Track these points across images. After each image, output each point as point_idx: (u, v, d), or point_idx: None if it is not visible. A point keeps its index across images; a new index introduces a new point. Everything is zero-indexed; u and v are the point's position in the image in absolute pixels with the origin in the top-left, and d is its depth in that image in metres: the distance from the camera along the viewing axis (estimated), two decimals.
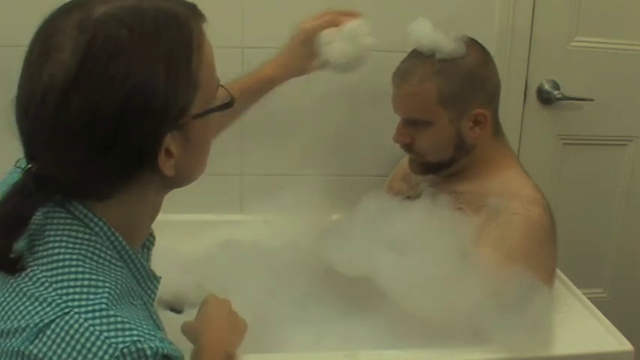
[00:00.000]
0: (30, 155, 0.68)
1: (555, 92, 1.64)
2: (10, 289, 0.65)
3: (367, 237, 1.15)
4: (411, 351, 1.03)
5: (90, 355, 0.60)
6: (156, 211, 0.79)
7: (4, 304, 0.65)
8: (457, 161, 1.24)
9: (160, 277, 0.82)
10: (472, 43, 1.21)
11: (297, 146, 1.61)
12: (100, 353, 0.60)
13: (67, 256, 0.66)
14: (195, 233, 1.40)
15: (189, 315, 1.11)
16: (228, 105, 0.77)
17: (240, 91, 1.13)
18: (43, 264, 0.66)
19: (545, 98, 1.67)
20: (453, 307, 1.02)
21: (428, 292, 1.04)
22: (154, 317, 0.78)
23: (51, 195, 0.69)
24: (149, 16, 0.67)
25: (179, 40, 0.69)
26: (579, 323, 1.13)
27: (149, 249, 0.86)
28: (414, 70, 1.20)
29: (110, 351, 0.60)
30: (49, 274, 0.65)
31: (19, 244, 0.67)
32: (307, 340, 1.10)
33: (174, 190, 0.87)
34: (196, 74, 0.70)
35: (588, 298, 1.21)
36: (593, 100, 1.66)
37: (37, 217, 0.69)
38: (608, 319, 1.14)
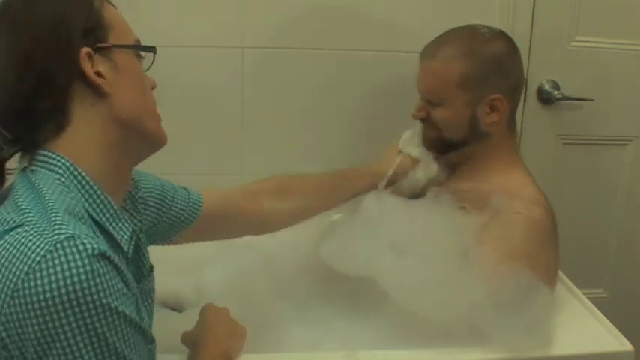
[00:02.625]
0: None
1: (555, 92, 1.65)
2: None
3: (369, 237, 1.15)
4: (411, 351, 1.03)
5: (29, 252, 0.66)
6: (121, 165, 0.84)
7: None
8: (468, 144, 1.24)
9: (135, 222, 0.87)
10: (504, 35, 1.23)
11: (298, 146, 1.61)
12: (38, 249, 0.66)
13: (29, 191, 0.75)
14: None
15: (189, 314, 1.11)
16: (150, 48, 0.87)
17: (348, 178, 1.25)
18: (12, 201, 0.76)
19: (545, 98, 1.67)
20: (454, 307, 1.02)
21: (429, 292, 1.04)
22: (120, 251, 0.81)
23: (17, 144, 0.80)
24: None
25: None
26: (579, 323, 1.13)
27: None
28: (442, 49, 1.22)
29: (45, 246, 0.66)
30: (15, 205, 0.74)
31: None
32: (307, 340, 1.10)
33: None
34: (100, 13, 0.81)
35: (588, 298, 1.21)
36: (593, 100, 1.66)
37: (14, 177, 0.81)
38: (608, 319, 1.13)
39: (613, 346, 1.07)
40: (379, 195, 1.24)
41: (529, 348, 1.02)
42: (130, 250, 0.82)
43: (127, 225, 0.82)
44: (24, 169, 0.80)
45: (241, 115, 1.58)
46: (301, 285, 1.24)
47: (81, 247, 0.66)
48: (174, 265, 1.29)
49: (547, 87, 1.66)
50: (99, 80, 0.79)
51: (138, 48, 0.86)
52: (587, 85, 1.66)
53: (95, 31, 0.80)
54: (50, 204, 0.72)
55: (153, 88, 0.88)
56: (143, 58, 0.88)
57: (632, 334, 1.09)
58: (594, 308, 1.17)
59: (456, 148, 1.25)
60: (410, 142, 1.29)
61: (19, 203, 0.74)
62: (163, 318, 1.15)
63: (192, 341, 0.97)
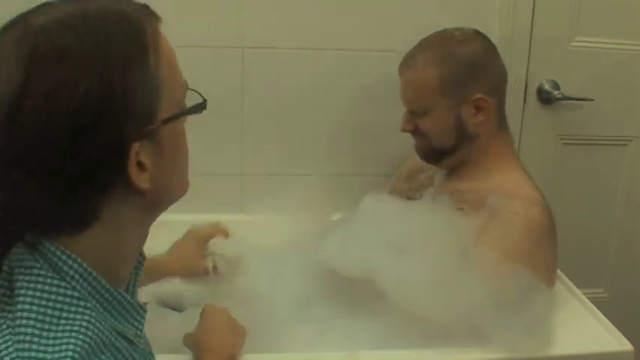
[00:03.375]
0: None
1: (555, 92, 1.65)
2: None
3: (368, 237, 1.15)
4: (411, 351, 1.03)
5: None
6: (141, 241, 0.72)
7: None
8: (460, 149, 1.24)
9: (147, 306, 0.75)
10: (478, 34, 1.24)
11: (298, 146, 1.61)
12: None
13: (33, 315, 0.60)
14: None
15: (189, 314, 1.11)
16: (201, 106, 0.71)
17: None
18: (10, 319, 0.60)
19: (545, 98, 1.67)
20: (453, 307, 1.02)
21: (428, 292, 1.04)
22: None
23: (23, 230, 0.64)
24: (96, 17, 0.61)
25: (131, 38, 0.63)
26: (579, 323, 1.13)
27: (138, 269, 0.78)
28: (416, 59, 1.23)
29: None
30: (14, 331, 0.59)
31: None
32: (307, 340, 1.10)
33: None
34: (156, 75, 0.64)
35: (588, 298, 1.21)
36: (593, 100, 1.66)
37: (9, 262, 0.63)
38: (608, 319, 1.14)
39: (613, 346, 1.07)
40: (378, 195, 1.24)
41: (529, 348, 1.03)
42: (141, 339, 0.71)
43: (141, 312, 0.70)
44: (24, 258, 0.63)
45: (241, 115, 1.58)
46: (301, 285, 1.23)
47: None
48: None
49: (547, 87, 1.66)
50: (141, 177, 0.63)
51: (188, 113, 0.69)
52: (587, 85, 1.66)
53: (149, 111, 0.62)
54: (64, 344, 0.58)
55: None
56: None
57: (632, 334, 1.09)
58: (594, 308, 1.17)
59: (449, 155, 1.25)
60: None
61: (23, 330, 0.58)
62: (163, 318, 1.15)
63: (194, 344, 0.97)
